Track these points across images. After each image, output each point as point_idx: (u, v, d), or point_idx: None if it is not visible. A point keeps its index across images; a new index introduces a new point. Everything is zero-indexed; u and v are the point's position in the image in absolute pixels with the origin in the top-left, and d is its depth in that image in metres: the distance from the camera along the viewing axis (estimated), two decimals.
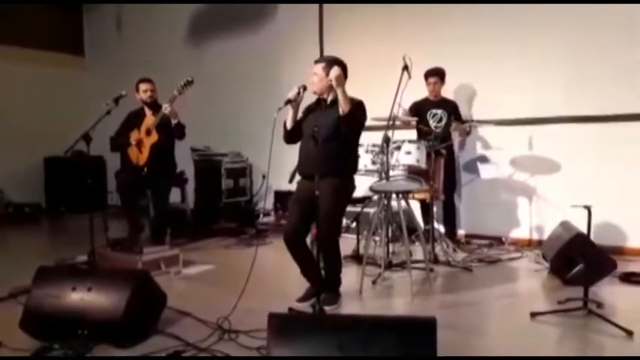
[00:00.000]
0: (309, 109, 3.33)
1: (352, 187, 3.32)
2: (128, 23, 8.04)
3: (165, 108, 4.53)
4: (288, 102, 3.15)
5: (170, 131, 4.72)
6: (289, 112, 3.22)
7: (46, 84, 7.66)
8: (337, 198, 3.16)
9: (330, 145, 3.09)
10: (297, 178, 3.40)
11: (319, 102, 3.29)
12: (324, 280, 3.21)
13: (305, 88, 3.21)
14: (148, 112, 4.82)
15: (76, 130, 4.10)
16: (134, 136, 4.76)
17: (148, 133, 4.71)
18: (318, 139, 2.91)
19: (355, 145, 3.32)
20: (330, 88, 3.17)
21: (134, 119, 4.86)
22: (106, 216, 4.92)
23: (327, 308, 3.03)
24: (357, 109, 3.13)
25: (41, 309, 2.64)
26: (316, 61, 3.26)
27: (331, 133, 3.10)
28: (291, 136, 3.30)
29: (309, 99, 3.36)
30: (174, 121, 4.61)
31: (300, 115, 3.34)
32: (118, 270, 3.38)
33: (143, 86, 4.81)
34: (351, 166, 3.32)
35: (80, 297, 2.61)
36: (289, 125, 3.27)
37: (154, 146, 4.69)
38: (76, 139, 4.00)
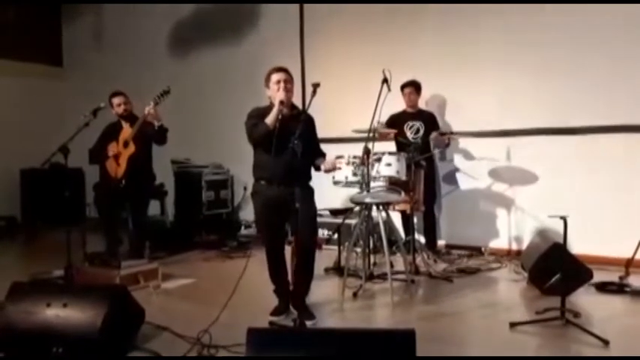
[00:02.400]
0: (265, 116, 3.20)
1: None
2: (107, 33, 7.98)
3: (148, 109, 4.46)
4: (282, 103, 3.11)
5: (147, 141, 4.66)
6: (273, 112, 3.11)
7: (24, 94, 7.54)
8: (315, 205, 3.30)
9: (305, 155, 3.08)
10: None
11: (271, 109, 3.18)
12: (299, 292, 3.19)
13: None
14: (124, 124, 4.77)
15: (54, 141, 4.05)
16: (112, 149, 4.70)
17: (126, 145, 4.66)
18: (297, 151, 2.90)
19: None
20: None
21: (112, 132, 4.81)
22: (84, 229, 4.83)
23: (311, 322, 3.05)
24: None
25: (15, 326, 2.57)
26: (285, 70, 3.25)
27: (305, 144, 3.06)
28: (265, 139, 3.13)
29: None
30: (157, 124, 4.54)
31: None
32: (94, 285, 3.32)
33: (116, 100, 4.75)
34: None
35: (55, 313, 2.56)
36: (272, 126, 3.12)
37: (131, 158, 4.63)
38: (53, 151, 3.95)
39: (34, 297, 2.65)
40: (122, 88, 4.98)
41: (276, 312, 3.22)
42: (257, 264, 4.91)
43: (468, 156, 5.29)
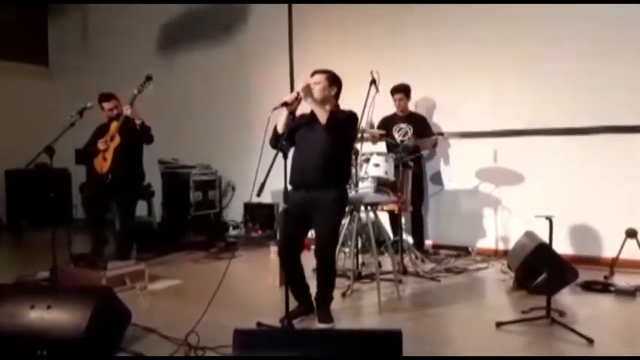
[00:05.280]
0: (304, 118, 3.17)
1: (347, 198, 3.31)
2: (94, 33, 7.92)
3: (127, 109, 4.47)
4: (285, 104, 2.99)
5: (135, 136, 4.62)
6: (282, 115, 3.07)
7: (9, 94, 7.45)
8: (338, 210, 3.15)
9: (327, 156, 3.04)
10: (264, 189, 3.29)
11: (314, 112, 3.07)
12: (318, 296, 3.17)
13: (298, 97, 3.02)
14: (113, 122, 4.73)
15: (40, 142, 3.98)
16: (101, 144, 4.66)
17: (112, 139, 4.63)
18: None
19: (347, 155, 3.27)
20: (329, 99, 3.14)
21: (102, 132, 4.77)
22: (70, 231, 4.78)
23: (325, 325, 3.04)
24: (342, 119, 3.06)
25: None
26: (320, 72, 3.15)
27: (328, 144, 3.03)
28: (278, 142, 3.06)
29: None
30: (138, 122, 4.52)
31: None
32: (79, 287, 3.28)
33: (107, 105, 4.73)
34: (346, 176, 3.30)
35: (39, 315, 2.52)
36: (280, 130, 3.09)
37: (117, 150, 4.59)
38: (39, 151, 3.91)
39: (17, 299, 2.61)
40: (108, 88, 4.94)
41: (292, 314, 3.02)
42: (245, 264, 4.93)
43: (455, 156, 5.32)
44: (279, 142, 3.00)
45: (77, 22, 8.03)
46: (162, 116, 6.30)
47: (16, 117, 7.43)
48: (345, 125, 3.08)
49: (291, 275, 3.13)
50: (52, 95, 7.82)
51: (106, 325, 2.61)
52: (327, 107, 3.07)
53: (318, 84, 3.10)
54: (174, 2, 7.00)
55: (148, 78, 4.51)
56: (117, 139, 4.60)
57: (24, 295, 2.65)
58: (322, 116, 2.97)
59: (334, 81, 3.17)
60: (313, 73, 3.17)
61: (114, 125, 4.65)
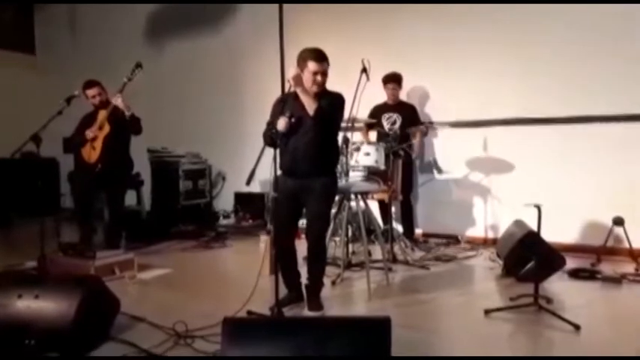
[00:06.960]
0: (289, 96, 3.03)
1: (337, 183, 3.31)
2: (82, 21, 7.81)
3: (116, 99, 4.41)
4: (276, 133, 2.93)
5: (124, 126, 4.57)
6: (281, 122, 2.96)
7: None
8: (328, 195, 3.15)
9: (316, 144, 3.02)
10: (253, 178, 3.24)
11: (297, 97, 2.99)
12: (309, 283, 3.17)
13: (292, 116, 2.96)
14: (101, 110, 4.68)
15: (26, 130, 3.93)
16: (89, 133, 4.60)
17: (101, 128, 4.57)
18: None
19: (335, 139, 3.22)
20: None
21: (88, 121, 4.71)
22: (58, 220, 4.74)
23: (315, 313, 3.04)
24: (329, 107, 3.00)
25: None
26: (321, 60, 3.04)
27: (316, 133, 3.01)
28: (274, 141, 2.96)
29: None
30: (127, 113, 4.47)
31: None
32: (67, 276, 3.26)
33: (90, 92, 4.65)
34: (335, 161, 3.29)
35: (27, 305, 2.50)
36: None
37: (106, 139, 4.53)
38: (25, 140, 3.85)
39: (4, 288, 2.59)
40: (96, 76, 4.86)
41: (282, 302, 3.03)
42: (238, 254, 4.93)
43: (445, 146, 5.32)
44: (275, 140, 2.92)
45: (64, 12, 7.90)
46: (152, 105, 6.24)
47: (2, 105, 7.32)
48: (332, 113, 3.05)
49: (284, 262, 3.15)
50: (38, 83, 7.71)
51: (95, 314, 2.59)
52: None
53: (326, 75, 3.07)
54: (162, 2, 6.92)
55: (138, 65, 4.45)
56: (106, 128, 4.54)
57: (11, 285, 2.63)
58: (311, 107, 2.94)
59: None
60: (320, 60, 3.03)
61: (102, 114, 4.59)
